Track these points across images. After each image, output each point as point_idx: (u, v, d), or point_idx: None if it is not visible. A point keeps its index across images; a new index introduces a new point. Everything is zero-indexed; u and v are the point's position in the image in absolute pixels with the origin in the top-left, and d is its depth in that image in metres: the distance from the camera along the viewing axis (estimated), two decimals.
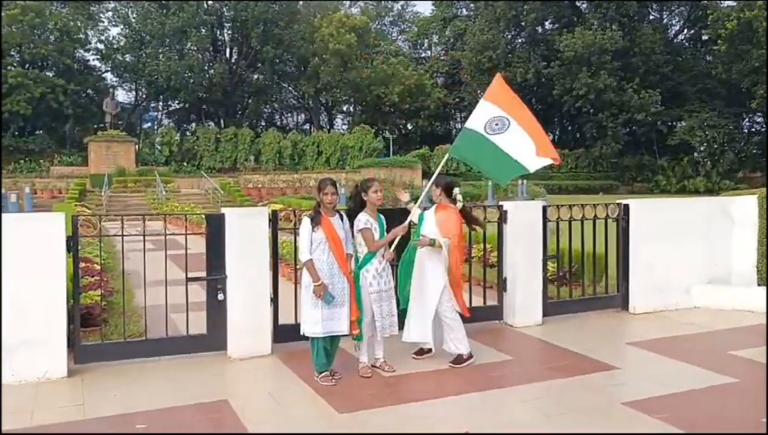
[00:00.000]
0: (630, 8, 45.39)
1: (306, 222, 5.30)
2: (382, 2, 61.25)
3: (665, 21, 52.41)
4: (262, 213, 6.20)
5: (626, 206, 7.89)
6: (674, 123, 46.90)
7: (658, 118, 44.02)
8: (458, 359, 5.71)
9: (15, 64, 41.69)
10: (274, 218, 6.24)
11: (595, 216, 7.76)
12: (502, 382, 5.35)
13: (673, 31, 52.49)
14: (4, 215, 5.31)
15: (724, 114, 43.05)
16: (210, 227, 6.02)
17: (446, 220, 5.73)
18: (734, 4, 40.17)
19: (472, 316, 6.26)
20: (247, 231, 5.99)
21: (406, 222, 5.73)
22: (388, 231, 5.55)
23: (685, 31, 52.43)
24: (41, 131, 43.25)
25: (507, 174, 6.26)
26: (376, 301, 5.37)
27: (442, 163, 6.43)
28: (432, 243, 5.61)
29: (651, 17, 50.63)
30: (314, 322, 5.21)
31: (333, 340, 5.34)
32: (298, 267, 5.51)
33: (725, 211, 8.49)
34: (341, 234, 5.31)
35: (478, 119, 6.13)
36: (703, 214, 8.36)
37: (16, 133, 40.77)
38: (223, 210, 6.15)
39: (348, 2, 58.85)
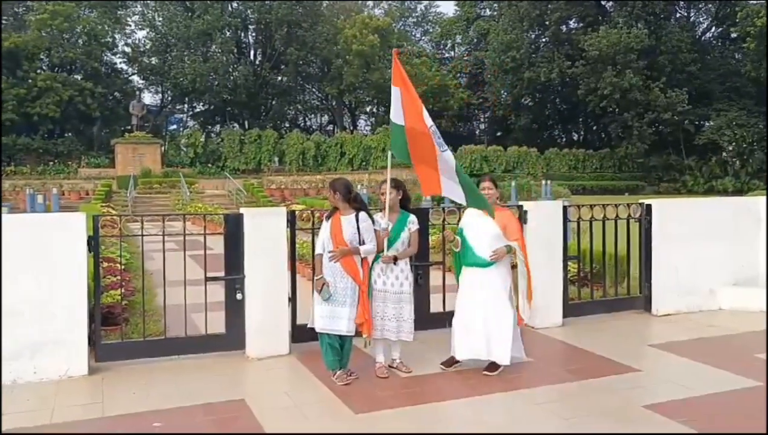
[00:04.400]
0: (656, 6, 44.75)
1: (324, 218, 5.42)
2: (406, 3, 61.21)
3: (692, 19, 51.57)
4: (280, 213, 6.21)
5: (648, 206, 7.77)
6: (702, 122, 46.10)
7: (685, 117, 43.25)
8: (492, 367, 5.54)
9: (44, 68, 42.53)
10: (292, 218, 6.25)
11: (617, 216, 7.66)
12: (520, 384, 5.29)
13: (701, 29, 51.63)
14: (29, 215, 5.41)
15: (754, 113, 42.19)
16: (228, 227, 6.05)
17: (508, 222, 5.56)
18: (764, 1, 39.38)
19: None
20: (265, 231, 6.01)
21: (387, 225, 5.40)
22: (421, 230, 5.69)
23: (713, 28, 51.51)
24: (69, 133, 43.97)
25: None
26: (378, 300, 5.35)
27: (389, 166, 5.73)
28: (509, 250, 5.45)
29: (678, 15, 49.87)
30: (317, 317, 5.27)
31: (344, 339, 5.31)
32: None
33: (751, 211, 8.32)
34: (348, 233, 5.23)
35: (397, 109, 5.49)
36: (728, 214, 8.20)
37: (46, 135, 41.48)
38: (242, 210, 6.18)
39: (371, 3, 58.95)
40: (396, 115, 5.52)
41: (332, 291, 5.19)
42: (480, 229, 5.54)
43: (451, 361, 5.67)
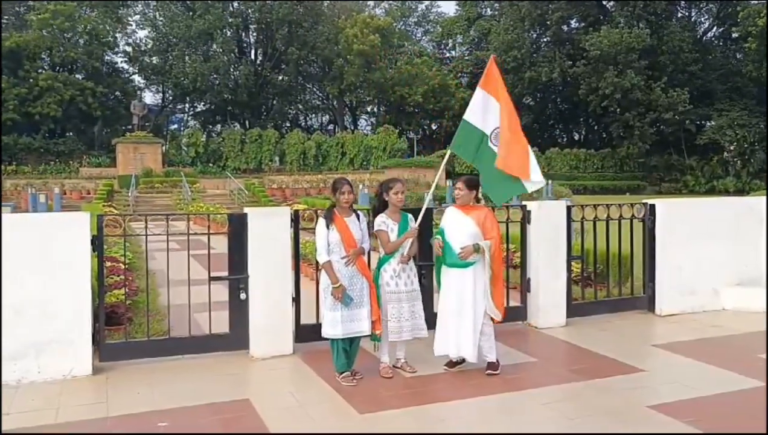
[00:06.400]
0: (657, 6, 44.73)
1: (321, 223, 5.30)
2: (407, 3, 61.19)
3: (694, 19, 51.57)
4: (284, 213, 6.21)
5: (652, 206, 7.77)
6: (703, 122, 46.09)
7: (686, 117, 43.27)
8: (493, 366, 5.53)
9: (45, 68, 42.56)
10: (296, 218, 6.25)
11: (621, 216, 7.66)
12: (524, 384, 5.29)
13: (702, 29, 51.62)
14: (34, 215, 5.41)
15: (755, 113, 42.18)
16: (232, 227, 6.05)
17: (486, 220, 5.47)
18: (765, 0, 39.36)
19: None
20: (269, 231, 6.01)
21: (415, 226, 5.50)
22: (421, 229, 5.60)
23: (715, 28, 51.51)
24: (71, 133, 44.01)
25: (505, 191, 5.76)
26: (392, 302, 5.34)
27: (444, 161, 6.28)
28: (477, 249, 5.36)
29: (679, 15, 49.86)
30: (334, 323, 5.19)
31: (353, 340, 5.33)
32: (318, 268, 5.49)
33: (754, 211, 8.32)
34: (357, 234, 5.29)
35: (478, 113, 5.73)
36: (731, 214, 8.19)
37: (47, 135, 41.50)
38: (246, 210, 6.18)
39: (372, 3, 58.95)
40: (471, 115, 5.68)
41: (351, 294, 5.19)
42: (458, 229, 5.49)
43: (453, 362, 5.65)
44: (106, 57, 47.11)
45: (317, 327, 5.59)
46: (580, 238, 7.63)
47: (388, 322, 5.34)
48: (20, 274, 5.29)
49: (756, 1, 40.72)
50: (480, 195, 5.69)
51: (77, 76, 43.43)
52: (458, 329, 5.45)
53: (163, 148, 39.31)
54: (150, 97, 52.51)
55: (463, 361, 5.61)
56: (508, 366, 5.67)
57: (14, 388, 5.17)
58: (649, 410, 4.66)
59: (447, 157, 6.12)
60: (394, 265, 5.38)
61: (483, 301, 5.46)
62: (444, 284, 5.59)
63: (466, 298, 5.44)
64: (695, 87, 44.78)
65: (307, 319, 6.24)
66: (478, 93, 5.71)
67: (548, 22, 47.58)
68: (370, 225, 5.60)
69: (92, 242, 5.57)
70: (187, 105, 54.74)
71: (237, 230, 6.03)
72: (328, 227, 5.23)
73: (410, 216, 5.57)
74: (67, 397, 4.99)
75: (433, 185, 6.05)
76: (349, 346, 5.31)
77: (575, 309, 7.35)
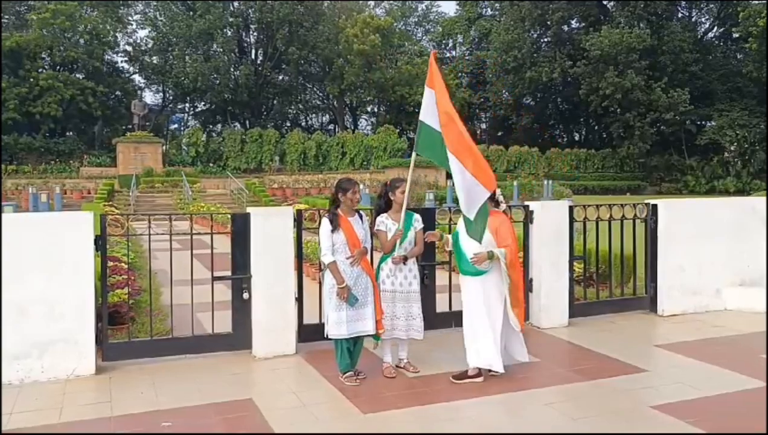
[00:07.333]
0: (658, 6, 44.70)
1: (325, 223, 5.27)
2: (407, 3, 61.17)
3: (694, 19, 51.55)
4: (287, 213, 6.22)
5: (654, 206, 7.78)
6: (703, 122, 46.07)
7: (686, 117, 43.24)
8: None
9: (46, 67, 42.54)
10: (298, 218, 6.26)
11: (623, 216, 7.67)
12: (527, 384, 5.30)
13: (703, 29, 51.59)
14: (37, 214, 5.41)
15: (755, 113, 42.15)
16: (235, 227, 6.06)
17: (500, 226, 5.34)
18: (765, 1, 39.34)
19: None
20: (272, 230, 6.01)
21: (400, 228, 5.37)
22: (425, 229, 5.58)
23: (715, 29, 51.48)
24: (71, 133, 44.01)
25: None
26: (387, 300, 5.35)
27: (412, 165, 5.80)
28: (491, 256, 5.27)
29: (680, 15, 49.84)
30: (339, 324, 5.18)
31: (356, 340, 5.34)
32: (322, 269, 5.48)
33: (757, 211, 8.32)
34: (361, 234, 5.30)
35: (430, 112, 5.41)
36: (733, 214, 8.20)
37: (47, 134, 41.49)
38: (249, 209, 6.18)
39: (372, 2, 58.91)
40: (426, 116, 5.45)
41: (356, 294, 5.18)
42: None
43: (467, 375, 5.42)
44: (107, 57, 47.09)
45: (320, 327, 5.60)
46: (582, 239, 7.63)
47: (383, 319, 5.33)
48: (24, 274, 5.30)
49: (756, 2, 40.67)
50: (499, 198, 5.53)
51: (78, 75, 43.41)
52: (483, 340, 5.34)
53: (164, 147, 39.30)
54: (150, 97, 52.61)
55: (477, 374, 5.41)
56: (511, 366, 5.65)
57: (17, 387, 5.17)
58: (652, 410, 4.67)
59: (413, 159, 5.80)
60: (391, 265, 5.39)
61: (499, 309, 5.36)
62: (462, 293, 5.54)
63: (479, 307, 5.36)
64: (696, 87, 44.75)
65: (309, 318, 6.25)
66: (426, 92, 5.49)
67: (549, 22, 47.54)
68: (372, 225, 5.60)
69: (95, 242, 5.58)
70: (187, 105, 54.76)
71: (240, 230, 6.04)
72: (333, 228, 5.22)
73: (416, 215, 5.56)
74: (71, 397, 5.00)
75: (407, 187, 5.54)
76: (353, 346, 5.32)
77: (577, 309, 7.35)
